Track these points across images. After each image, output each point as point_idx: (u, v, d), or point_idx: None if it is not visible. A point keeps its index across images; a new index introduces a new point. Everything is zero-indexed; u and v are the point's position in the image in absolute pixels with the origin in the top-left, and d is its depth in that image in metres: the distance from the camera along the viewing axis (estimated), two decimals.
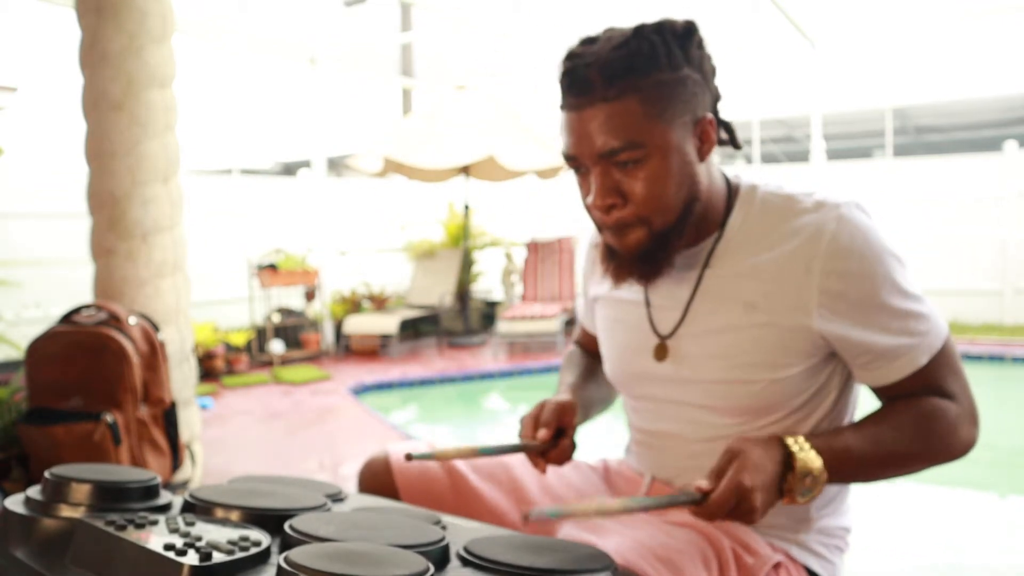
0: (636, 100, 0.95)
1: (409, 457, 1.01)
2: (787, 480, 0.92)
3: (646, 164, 0.97)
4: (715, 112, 1.05)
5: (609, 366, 1.22)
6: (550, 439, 1.10)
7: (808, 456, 0.93)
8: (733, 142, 1.11)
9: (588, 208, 1.04)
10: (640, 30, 0.96)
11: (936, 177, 7.81)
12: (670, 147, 0.98)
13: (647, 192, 0.98)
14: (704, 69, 1.01)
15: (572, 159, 1.01)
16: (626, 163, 0.97)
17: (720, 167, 1.10)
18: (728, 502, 0.89)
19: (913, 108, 11.54)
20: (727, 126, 1.09)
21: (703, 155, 1.02)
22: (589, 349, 1.39)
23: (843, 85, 9.56)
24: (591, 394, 1.28)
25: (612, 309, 1.20)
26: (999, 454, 3.97)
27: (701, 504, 0.90)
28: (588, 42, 0.99)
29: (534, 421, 1.13)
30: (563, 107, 1.00)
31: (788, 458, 0.93)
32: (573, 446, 1.13)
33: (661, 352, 1.10)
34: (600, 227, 1.05)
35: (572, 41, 1.01)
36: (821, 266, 0.98)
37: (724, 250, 1.06)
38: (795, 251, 1.00)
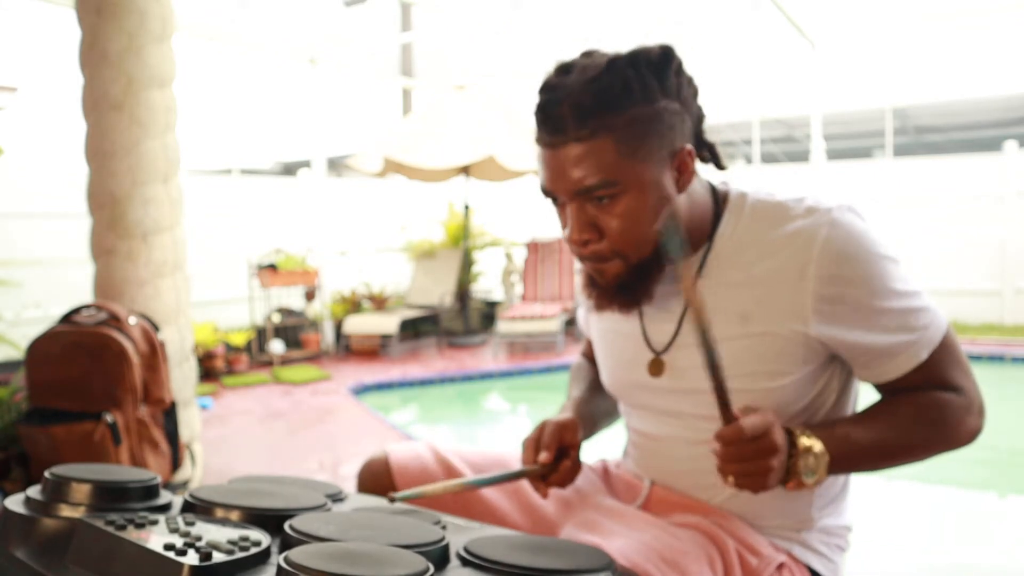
0: (610, 139, 0.94)
1: (392, 499, 0.99)
2: (791, 460, 0.93)
3: (621, 200, 0.97)
4: (698, 133, 1.04)
5: (606, 376, 1.21)
6: (551, 462, 1.09)
7: (809, 437, 0.95)
8: (716, 163, 1.10)
9: (566, 240, 1.04)
10: (613, 64, 0.94)
11: (936, 177, 7.81)
12: (646, 183, 0.97)
13: (622, 228, 0.98)
14: (683, 96, 0.99)
15: (549, 193, 1.02)
16: (602, 199, 0.97)
17: (705, 178, 1.09)
18: (759, 429, 0.88)
19: (913, 108, 11.55)
20: (711, 147, 1.08)
21: (681, 187, 1.01)
22: (594, 361, 1.37)
23: (843, 85, 9.56)
24: (597, 407, 1.27)
25: (606, 321, 1.20)
26: (999, 454, 3.97)
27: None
28: (563, 71, 0.98)
29: (535, 444, 1.12)
30: (538, 142, 1.00)
31: (790, 438, 0.94)
32: (576, 467, 1.12)
33: (656, 367, 1.10)
34: (578, 257, 1.05)
35: (548, 69, 1.00)
36: (815, 272, 0.98)
37: (715, 260, 1.05)
38: (788, 258, 0.99)
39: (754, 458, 0.89)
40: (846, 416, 1.04)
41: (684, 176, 1.01)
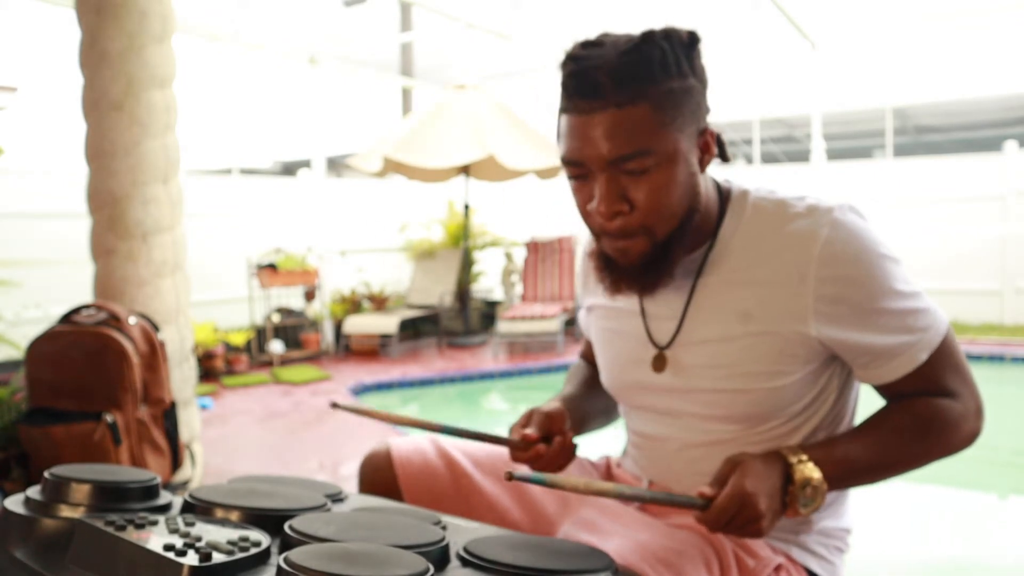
0: (647, 107, 0.93)
1: (335, 405, 1.00)
2: (788, 492, 0.94)
3: (654, 172, 0.95)
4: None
5: (606, 376, 1.21)
6: (536, 440, 1.07)
7: (807, 467, 0.95)
8: (722, 153, 1.10)
9: (588, 214, 1.01)
10: (650, 36, 0.94)
11: (936, 177, 7.80)
12: (678, 156, 0.96)
13: (653, 200, 0.96)
14: (703, 81, 1.00)
15: (576, 164, 0.98)
16: (633, 171, 0.95)
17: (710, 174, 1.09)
18: (731, 507, 0.90)
19: (913, 108, 11.55)
20: (717, 137, 1.08)
21: (703, 165, 1.02)
22: (592, 362, 1.37)
23: (843, 85, 9.55)
24: (589, 404, 1.26)
25: (607, 319, 1.19)
26: (999, 454, 3.97)
27: (704, 509, 0.91)
28: (591, 45, 0.96)
29: (522, 428, 1.11)
30: (567, 110, 0.97)
31: (787, 470, 0.95)
32: (569, 453, 1.11)
33: (659, 363, 1.10)
34: (599, 234, 1.02)
35: (570, 44, 0.98)
36: (816, 272, 0.98)
37: (717, 258, 1.05)
38: (789, 258, 1.00)
39: (741, 527, 0.91)
40: (843, 433, 1.04)
41: (706, 156, 1.01)
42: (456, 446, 1.24)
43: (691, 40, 0.97)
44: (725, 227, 1.06)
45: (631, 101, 0.93)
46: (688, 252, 1.06)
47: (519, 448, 1.08)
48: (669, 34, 0.96)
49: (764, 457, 0.95)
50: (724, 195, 1.08)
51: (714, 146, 1.01)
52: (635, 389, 1.15)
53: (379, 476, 1.22)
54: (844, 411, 1.10)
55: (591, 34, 0.99)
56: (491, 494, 1.20)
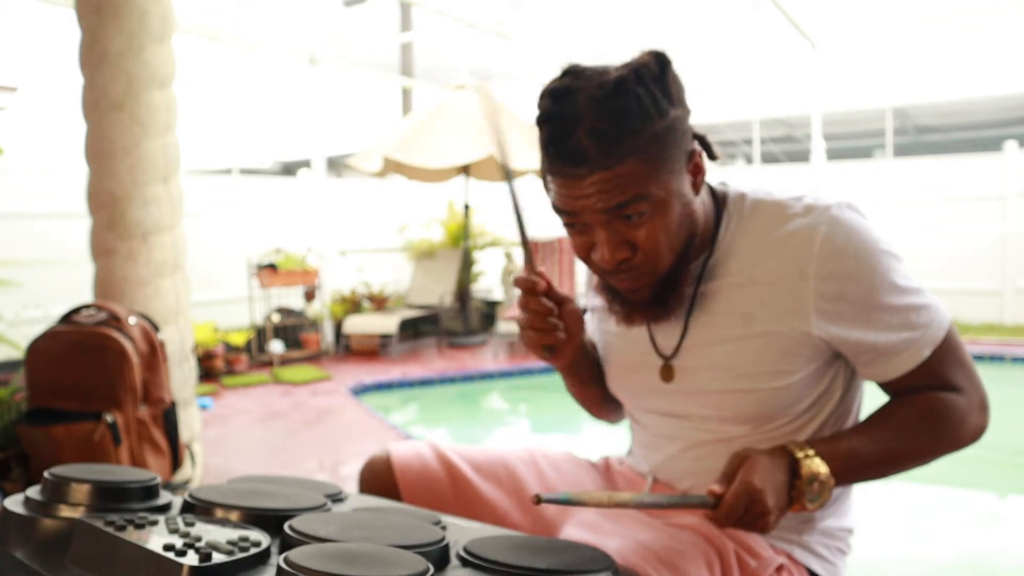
0: (636, 161, 0.91)
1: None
2: (795, 487, 0.94)
3: (651, 213, 0.95)
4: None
5: (612, 381, 1.21)
6: (545, 286, 1.07)
7: (814, 462, 0.95)
8: (710, 154, 1.10)
9: (591, 261, 1.01)
10: (621, 85, 0.91)
11: (936, 177, 7.81)
12: (671, 193, 0.96)
13: (654, 240, 0.96)
14: (681, 99, 0.98)
15: (570, 214, 0.97)
16: (631, 215, 0.95)
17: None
18: (740, 504, 0.90)
19: (913, 108, 11.55)
20: (702, 139, 1.07)
21: (697, 188, 1.01)
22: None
23: (843, 85, 9.56)
24: (599, 377, 1.25)
25: (611, 323, 1.19)
26: (999, 454, 3.97)
27: (714, 508, 0.92)
28: (563, 95, 0.93)
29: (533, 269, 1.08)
30: (554, 173, 0.95)
31: (794, 465, 0.95)
32: (581, 313, 1.10)
33: (667, 372, 1.10)
34: (604, 276, 1.03)
35: (545, 88, 0.95)
36: (816, 270, 0.98)
37: (718, 264, 1.06)
38: (788, 258, 1.00)
39: (749, 523, 0.92)
40: (849, 428, 1.04)
41: (699, 177, 1.01)
42: (455, 451, 1.24)
43: (661, 68, 0.94)
44: (724, 232, 1.06)
45: (619, 161, 0.91)
46: (688, 262, 1.06)
47: (532, 291, 1.07)
48: (640, 75, 0.92)
49: (771, 452, 0.95)
50: (720, 200, 1.08)
51: (703, 163, 1.00)
52: (641, 394, 1.16)
53: (379, 481, 1.22)
54: (849, 408, 1.11)
55: (559, 71, 0.96)
56: (491, 498, 1.20)
